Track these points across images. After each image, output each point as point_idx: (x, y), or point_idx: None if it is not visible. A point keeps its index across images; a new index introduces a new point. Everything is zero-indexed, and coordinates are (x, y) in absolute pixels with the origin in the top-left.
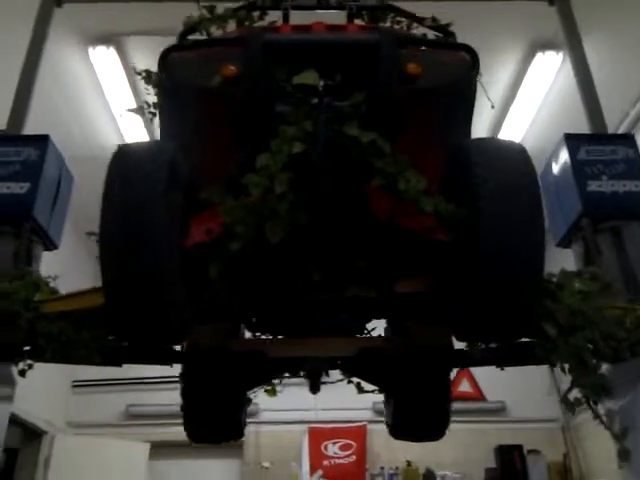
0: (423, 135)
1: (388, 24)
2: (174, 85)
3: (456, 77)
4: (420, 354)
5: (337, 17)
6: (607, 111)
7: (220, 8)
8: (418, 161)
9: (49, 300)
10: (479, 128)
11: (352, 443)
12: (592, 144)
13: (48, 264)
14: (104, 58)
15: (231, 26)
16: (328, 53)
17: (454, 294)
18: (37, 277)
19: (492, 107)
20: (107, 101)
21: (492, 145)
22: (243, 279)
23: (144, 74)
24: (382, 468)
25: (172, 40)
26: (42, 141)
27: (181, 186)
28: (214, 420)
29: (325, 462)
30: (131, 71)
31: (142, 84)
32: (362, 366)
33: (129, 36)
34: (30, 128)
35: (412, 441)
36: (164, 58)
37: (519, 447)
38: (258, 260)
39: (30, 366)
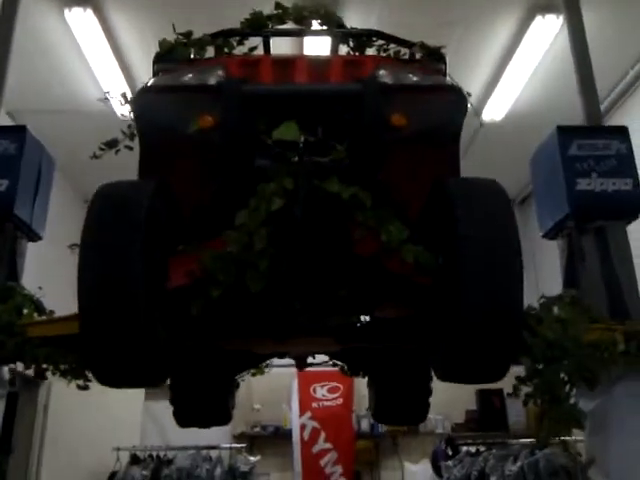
0: (407, 176)
1: (374, 51)
2: (148, 128)
3: (443, 122)
4: (402, 352)
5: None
6: (607, 70)
7: (198, 31)
8: (402, 198)
9: (33, 324)
10: (476, 86)
11: (339, 386)
12: (585, 138)
13: None
14: (81, 20)
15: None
16: (309, 104)
17: (434, 331)
18: (20, 298)
19: (481, 125)
20: (87, 60)
21: (477, 198)
22: (225, 311)
23: (121, 98)
24: (367, 409)
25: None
26: (19, 133)
27: (161, 228)
28: (202, 408)
29: (314, 404)
30: (110, 32)
31: (123, 44)
32: (346, 356)
33: None
34: (9, 87)
35: (392, 425)
36: (139, 98)
37: (499, 390)
38: (239, 296)
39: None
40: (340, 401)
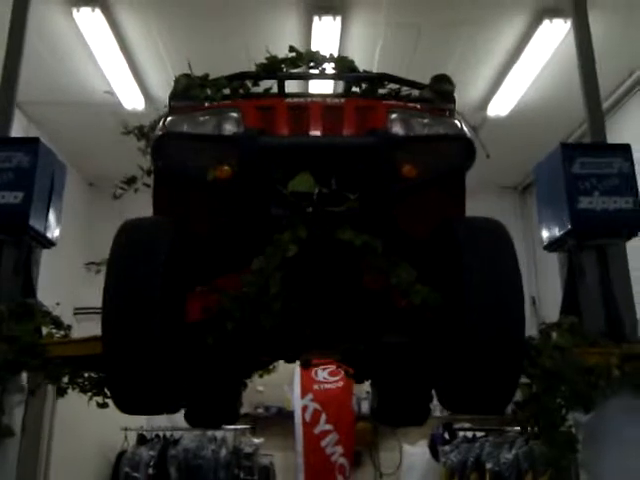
0: (415, 219)
1: (386, 91)
2: (166, 172)
3: (451, 169)
4: (406, 362)
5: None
6: (614, 69)
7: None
8: (410, 238)
9: (54, 343)
10: (482, 83)
11: (340, 369)
12: (588, 156)
13: None
14: (89, 19)
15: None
16: (323, 156)
17: (437, 358)
18: (40, 316)
19: (487, 157)
20: (94, 56)
21: (482, 240)
22: (238, 340)
23: (136, 132)
24: (368, 392)
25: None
26: (32, 144)
27: (178, 267)
28: (213, 410)
29: (315, 387)
30: (118, 30)
31: (130, 41)
32: (351, 363)
33: None
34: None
35: (391, 426)
36: (158, 145)
37: None
38: (252, 329)
39: (38, 385)
40: (341, 384)
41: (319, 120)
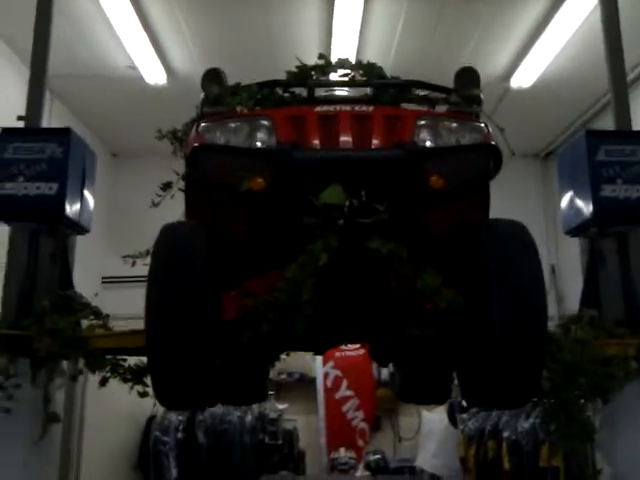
0: (441, 223)
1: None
2: (201, 180)
3: (477, 176)
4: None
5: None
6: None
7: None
8: (435, 242)
9: (95, 337)
10: (506, 54)
11: None
12: (613, 143)
13: None
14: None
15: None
16: (354, 169)
17: (460, 352)
18: (80, 309)
19: (513, 154)
20: (117, 33)
21: (509, 247)
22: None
23: (170, 136)
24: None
25: None
26: (64, 135)
27: (215, 269)
28: (243, 390)
29: (337, 354)
30: (140, 7)
31: (154, 18)
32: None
33: None
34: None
35: (414, 403)
36: (193, 156)
37: None
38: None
39: (81, 371)
40: (362, 351)
41: (348, 130)
